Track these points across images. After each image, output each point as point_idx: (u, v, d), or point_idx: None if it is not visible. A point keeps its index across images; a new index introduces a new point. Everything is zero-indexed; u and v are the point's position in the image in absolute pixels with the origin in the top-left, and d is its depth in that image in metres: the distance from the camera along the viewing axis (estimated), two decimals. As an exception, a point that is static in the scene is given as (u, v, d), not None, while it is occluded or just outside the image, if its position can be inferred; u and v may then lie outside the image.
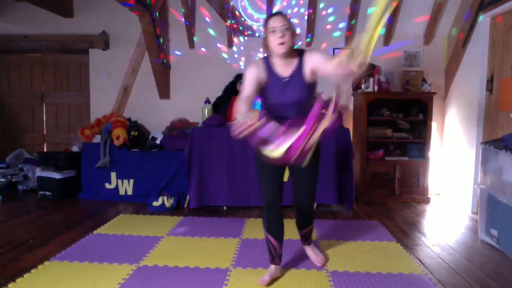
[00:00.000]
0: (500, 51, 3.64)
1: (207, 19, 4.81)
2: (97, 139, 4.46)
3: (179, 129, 4.43)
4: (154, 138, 4.63)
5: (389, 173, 4.28)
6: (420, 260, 2.65)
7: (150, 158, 4.27)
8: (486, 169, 3.05)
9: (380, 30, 1.76)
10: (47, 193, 4.28)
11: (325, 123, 1.80)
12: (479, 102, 3.90)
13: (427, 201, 4.28)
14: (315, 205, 2.25)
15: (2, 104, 5.33)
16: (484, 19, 3.85)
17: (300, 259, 2.58)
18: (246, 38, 4.85)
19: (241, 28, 4.78)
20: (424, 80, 4.37)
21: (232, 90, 4.56)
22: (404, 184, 4.29)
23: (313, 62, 2.03)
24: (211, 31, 4.84)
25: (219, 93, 4.64)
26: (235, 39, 4.85)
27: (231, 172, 3.90)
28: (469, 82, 4.13)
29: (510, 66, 3.49)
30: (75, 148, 4.75)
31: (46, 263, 2.51)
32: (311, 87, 2.12)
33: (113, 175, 4.32)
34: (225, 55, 4.87)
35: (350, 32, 4.64)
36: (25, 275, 2.32)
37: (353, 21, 4.57)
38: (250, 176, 3.85)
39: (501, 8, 3.55)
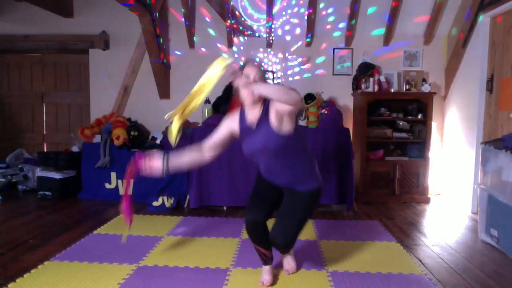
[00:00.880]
0: (500, 51, 3.64)
1: (207, 19, 4.81)
2: (97, 139, 4.46)
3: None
4: (154, 138, 4.63)
5: (389, 173, 4.28)
6: (420, 260, 2.65)
7: (150, 158, 4.26)
8: (486, 169, 3.05)
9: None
10: (47, 193, 4.28)
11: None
12: (479, 102, 3.90)
13: (427, 201, 4.28)
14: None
15: (2, 104, 5.33)
16: (484, 19, 3.85)
17: (299, 259, 2.58)
18: (246, 38, 4.85)
19: (241, 28, 4.78)
20: (424, 80, 4.37)
21: (232, 90, 4.56)
22: (404, 184, 4.29)
23: (275, 105, 1.93)
24: (211, 31, 4.84)
25: (219, 93, 4.64)
26: (235, 39, 4.85)
27: (231, 172, 3.90)
28: (469, 82, 4.13)
29: (510, 66, 3.49)
30: (75, 148, 4.75)
31: (46, 263, 2.51)
32: (279, 134, 1.95)
33: (113, 175, 4.33)
34: (225, 55, 4.87)
35: (350, 32, 4.64)
36: (25, 275, 2.32)
37: (353, 21, 4.57)
38: (250, 176, 3.85)
39: (501, 8, 3.55)
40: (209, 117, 4.17)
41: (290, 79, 4.84)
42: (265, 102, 2.02)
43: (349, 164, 3.81)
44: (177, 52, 4.89)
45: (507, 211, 2.70)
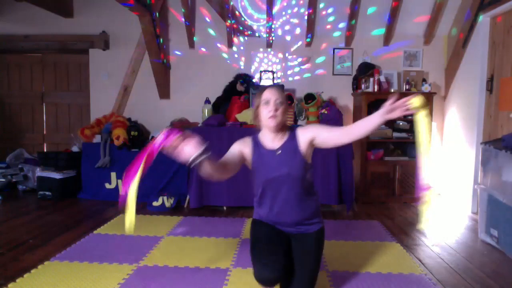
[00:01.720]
0: (500, 51, 3.64)
1: (207, 19, 4.81)
2: (97, 139, 4.46)
3: (179, 129, 4.43)
4: (154, 138, 4.63)
5: (389, 173, 4.28)
6: (420, 260, 2.65)
7: (150, 158, 4.26)
8: (486, 169, 3.05)
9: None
10: (47, 193, 4.28)
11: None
12: (479, 102, 3.90)
13: (427, 201, 4.28)
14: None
15: (2, 104, 5.33)
16: (484, 19, 3.85)
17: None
18: (246, 38, 4.85)
19: (241, 28, 4.78)
20: (424, 80, 4.38)
21: (232, 90, 4.57)
22: (404, 184, 4.29)
23: (310, 132, 1.88)
24: (211, 31, 4.84)
25: (219, 93, 4.64)
26: (235, 39, 4.85)
27: (231, 172, 3.89)
28: (469, 82, 4.13)
29: (510, 66, 3.49)
30: (75, 148, 4.75)
31: (46, 263, 2.51)
32: (305, 163, 1.89)
33: (113, 175, 4.33)
34: (225, 55, 4.87)
35: (350, 32, 4.64)
36: (25, 275, 2.32)
37: (353, 21, 4.57)
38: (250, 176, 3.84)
39: (501, 8, 3.55)
40: (209, 117, 4.17)
41: (290, 79, 4.84)
42: (292, 128, 1.96)
43: (349, 164, 3.81)
44: (177, 52, 4.89)
45: (507, 211, 2.69)
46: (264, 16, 4.66)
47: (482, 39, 3.88)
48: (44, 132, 5.36)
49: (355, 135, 1.76)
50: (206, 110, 4.35)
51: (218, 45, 4.86)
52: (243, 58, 4.87)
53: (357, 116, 4.48)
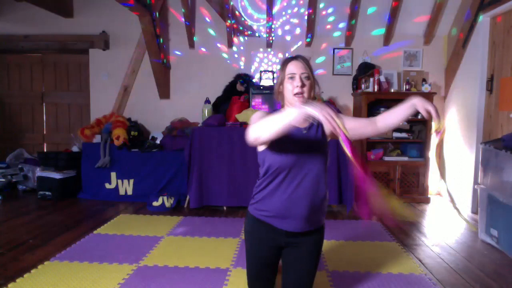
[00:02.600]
0: (500, 51, 3.64)
1: (207, 19, 4.81)
2: (97, 139, 4.46)
3: (179, 129, 4.43)
4: (154, 138, 4.63)
5: (389, 173, 4.28)
6: (420, 260, 2.65)
7: (150, 158, 4.26)
8: (486, 169, 3.05)
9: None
10: (47, 193, 4.28)
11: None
12: (479, 102, 3.90)
13: (427, 201, 4.28)
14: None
15: (2, 104, 5.33)
16: (484, 19, 3.85)
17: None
18: (246, 38, 4.85)
19: (241, 28, 4.78)
20: (424, 80, 4.38)
21: (232, 90, 4.57)
22: (404, 184, 4.29)
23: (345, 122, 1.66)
24: (211, 31, 4.84)
25: (219, 93, 4.64)
26: (235, 39, 4.85)
27: (231, 172, 3.90)
28: (469, 82, 4.13)
29: (510, 66, 3.49)
30: (75, 148, 4.75)
31: (46, 263, 2.51)
32: (328, 148, 1.71)
33: (113, 175, 4.32)
34: (225, 55, 4.87)
35: (350, 32, 4.64)
36: (25, 275, 2.32)
37: (353, 21, 4.57)
38: (250, 176, 3.85)
39: (501, 8, 3.55)
40: (209, 117, 4.17)
41: (290, 79, 4.83)
42: None
43: (349, 164, 3.81)
44: (177, 52, 4.89)
45: (507, 211, 2.70)
46: (264, 16, 4.66)
47: (482, 39, 3.88)
48: (44, 132, 5.36)
49: (383, 125, 1.65)
50: (206, 110, 4.35)
51: (218, 45, 4.86)
52: (243, 58, 4.87)
53: (357, 116, 4.47)
